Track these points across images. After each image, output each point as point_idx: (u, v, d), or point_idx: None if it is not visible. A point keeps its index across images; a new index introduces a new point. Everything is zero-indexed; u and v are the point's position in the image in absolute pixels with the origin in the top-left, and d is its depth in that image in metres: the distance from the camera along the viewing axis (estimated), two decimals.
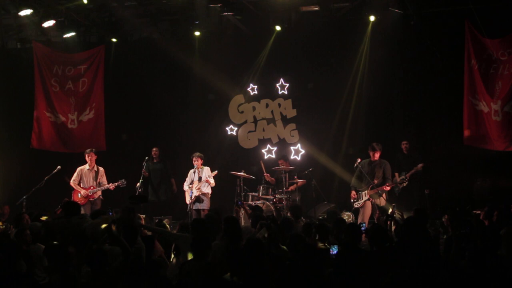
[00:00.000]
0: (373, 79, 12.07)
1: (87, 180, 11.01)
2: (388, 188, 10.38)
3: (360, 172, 10.58)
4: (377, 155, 10.59)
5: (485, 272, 5.18)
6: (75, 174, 11.03)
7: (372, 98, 12.21)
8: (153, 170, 12.18)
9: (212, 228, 6.97)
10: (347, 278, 5.13)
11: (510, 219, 7.50)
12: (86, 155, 11.14)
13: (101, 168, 11.19)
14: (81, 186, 10.97)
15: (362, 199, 10.50)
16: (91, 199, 10.91)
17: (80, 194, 10.91)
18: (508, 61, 10.65)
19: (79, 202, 10.61)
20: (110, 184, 11.05)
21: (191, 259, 5.95)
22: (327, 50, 12.42)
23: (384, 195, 10.33)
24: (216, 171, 11.31)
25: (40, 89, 13.12)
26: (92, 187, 10.95)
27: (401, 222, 7.94)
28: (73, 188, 11.00)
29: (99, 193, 11.04)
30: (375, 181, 10.39)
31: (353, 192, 10.67)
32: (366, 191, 10.45)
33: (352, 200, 10.69)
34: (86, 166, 11.10)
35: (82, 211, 9.48)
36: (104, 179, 11.14)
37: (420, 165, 11.28)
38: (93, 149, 11.30)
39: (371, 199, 10.41)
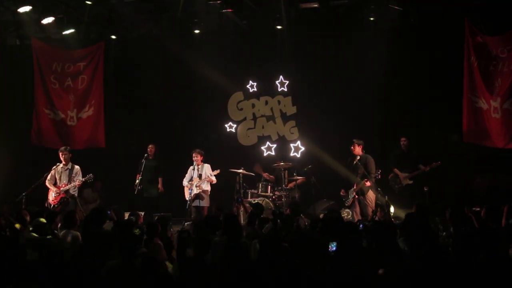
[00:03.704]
0: (372, 76, 12.04)
1: (60, 178, 10.73)
2: (368, 183, 10.35)
3: (348, 169, 10.69)
4: (357, 150, 10.65)
5: (483, 268, 5.19)
6: (49, 174, 10.76)
7: (371, 95, 12.18)
8: (147, 166, 12.11)
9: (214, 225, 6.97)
10: (346, 274, 5.14)
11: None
12: (60, 153, 10.89)
13: (76, 166, 10.84)
14: (58, 184, 10.73)
15: (350, 196, 10.59)
16: (62, 196, 10.58)
17: (53, 193, 10.67)
18: (508, 58, 10.65)
19: (51, 202, 10.55)
20: (78, 180, 10.66)
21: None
22: (327, 47, 12.39)
23: (370, 192, 10.38)
24: (219, 170, 11.29)
25: (39, 86, 13.09)
26: (64, 185, 10.66)
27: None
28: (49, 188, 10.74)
29: (71, 191, 10.65)
30: (358, 178, 10.45)
31: (342, 190, 10.78)
32: (352, 189, 10.53)
33: (343, 198, 10.80)
34: (61, 165, 10.84)
35: None
36: (78, 178, 10.72)
37: (435, 164, 11.10)
38: (68, 147, 11.02)
39: (356, 196, 10.48)
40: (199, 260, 5.58)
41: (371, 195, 10.42)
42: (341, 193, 10.78)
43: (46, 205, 10.61)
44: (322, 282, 5.00)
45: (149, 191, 12.13)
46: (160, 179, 12.24)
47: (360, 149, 10.69)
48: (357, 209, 10.47)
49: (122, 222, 7.56)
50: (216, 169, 11.24)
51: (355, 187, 10.49)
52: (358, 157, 10.62)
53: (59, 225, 8.26)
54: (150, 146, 12.32)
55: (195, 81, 13.48)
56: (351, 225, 6.54)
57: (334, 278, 5.06)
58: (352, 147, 10.71)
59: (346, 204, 10.69)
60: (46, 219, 7.87)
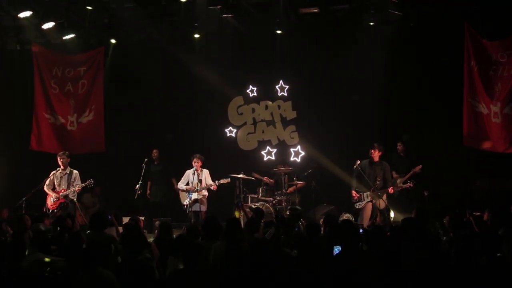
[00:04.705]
0: (372, 80, 12.07)
1: (58, 183, 10.67)
2: (392, 191, 10.40)
3: (360, 174, 10.58)
4: (376, 155, 10.62)
5: (484, 272, 5.18)
6: (48, 179, 10.69)
7: (371, 100, 12.21)
8: (153, 171, 12.17)
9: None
10: (347, 278, 5.14)
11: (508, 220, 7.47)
12: (58, 157, 10.83)
13: (74, 171, 10.78)
14: (57, 190, 10.66)
15: (364, 200, 10.51)
16: (62, 201, 10.53)
17: (52, 198, 10.59)
18: (508, 63, 10.66)
19: (50, 207, 10.50)
20: (77, 186, 10.61)
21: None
22: (327, 52, 12.42)
23: (384, 196, 10.34)
24: (229, 179, 11.26)
25: (40, 91, 13.06)
26: (63, 190, 10.60)
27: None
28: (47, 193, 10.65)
29: (71, 196, 10.58)
30: (378, 183, 10.42)
31: (354, 193, 10.67)
32: (368, 193, 10.45)
33: (353, 201, 10.69)
34: (59, 170, 10.78)
35: None
36: (77, 183, 10.67)
37: (418, 167, 11.28)
38: (66, 152, 10.97)
39: (372, 201, 10.44)
40: (189, 269, 5.44)
41: (383, 201, 10.40)
42: (353, 195, 10.65)
43: (44, 210, 10.58)
44: (322, 282, 5.00)
45: (156, 195, 12.15)
46: (173, 180, 12.23)
47: (379, 155, 10.64)
48: (367, 213, 10.46)
49: (129, 227, 7.53)
50: (226, 178, 11.22)
51: (371, 192, 10.44)
52: (358, 162, 10.62)
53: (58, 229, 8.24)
54: (154, 150, 12.38)
55: (195, 85, 13.49)
56: (352, 229, 6.52)
57: (334, 280, 5.05)
58: (372, 151, 10.61)
59: (358, 207, 10.61)
60: (53, 225, 7.86)
